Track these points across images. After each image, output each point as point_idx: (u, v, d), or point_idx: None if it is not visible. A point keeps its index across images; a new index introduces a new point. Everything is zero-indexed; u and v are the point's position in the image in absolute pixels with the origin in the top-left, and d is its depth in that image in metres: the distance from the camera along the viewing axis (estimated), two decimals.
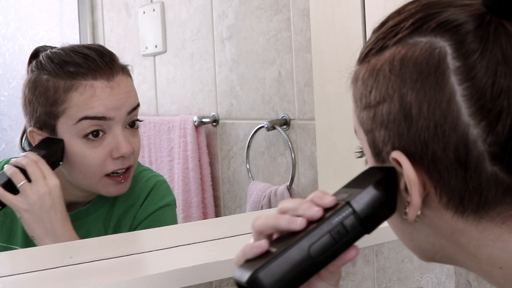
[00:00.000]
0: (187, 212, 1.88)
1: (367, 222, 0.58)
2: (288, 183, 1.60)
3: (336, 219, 0.57)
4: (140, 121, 1.18)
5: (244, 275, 0.56)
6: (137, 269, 0.86)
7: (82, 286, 0.77)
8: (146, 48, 2.17)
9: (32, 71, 1.15)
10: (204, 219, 1.85)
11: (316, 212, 0.58)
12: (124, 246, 0.97)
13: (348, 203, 0.57)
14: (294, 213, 0.59)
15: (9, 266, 0.89)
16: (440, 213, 0.55)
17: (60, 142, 1.11)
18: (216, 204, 1.90)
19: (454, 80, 0.52)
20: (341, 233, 0.57)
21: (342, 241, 0.57)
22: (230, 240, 0.94)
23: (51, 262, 0.85)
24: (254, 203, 1.66)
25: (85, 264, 0.84)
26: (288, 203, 0.61)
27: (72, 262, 0.85)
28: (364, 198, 0.58)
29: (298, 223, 0.58)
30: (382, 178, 0.58)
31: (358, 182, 0.60)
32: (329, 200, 0.59)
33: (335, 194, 0.60)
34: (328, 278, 0.63)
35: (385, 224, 1.00)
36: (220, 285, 0.88)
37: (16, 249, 1.17)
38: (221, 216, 1.87)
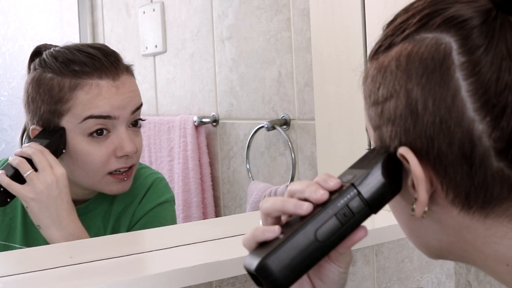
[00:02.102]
0: (187, 212, 1.87)
1: (373, 202, 0.58)
2: (288, 183, 1.59)
3: (341, 202, 0.57)
4: (143, 120, 1.19)
5: (252, 263, 0.56)
6: (137, 269, 0.86)
7: (82, 286, 0.77)
8: (146, 48, 2.17)
9: (35, 69, 1.15)
10: (204, 219, 1.85)
11: (322, 196, 0.58)
12: (124, 246, 0.97)
13: (352, 185, 0.58)
14: (301, 195, 0.60)
15: (9, 266, 0.89)
16: (447, 210, 0.56)
17: (61, 130, 1.11)
18: (216, 204, 1.90)
19: (459, 76, 0.52)
20: (347, 215, 0.57)
21: (349, 223, 0.57)
22: (230, 240, 0.94)
23: (51, 262, 0.85)
24: (254, 203, 1.65)
25: (85, 264, 0.84)
26: (296, 185, 0.61)
27: (72, 262, 0.85)
28: (368, 179, 0.58)
29: (304, 208, 0.58)
30: (386, 158, 0.58)
31: (363, 163, 0.60)
32: (334, 183, 0.59)
33: (340, 177, 0.60)
34: (338, 260, 0.64)
35: (385, 224, 1.00)
36: (220, 285, 0.88)
37: (15, 247, 1.17)
38: (221, 216, 1.87)
